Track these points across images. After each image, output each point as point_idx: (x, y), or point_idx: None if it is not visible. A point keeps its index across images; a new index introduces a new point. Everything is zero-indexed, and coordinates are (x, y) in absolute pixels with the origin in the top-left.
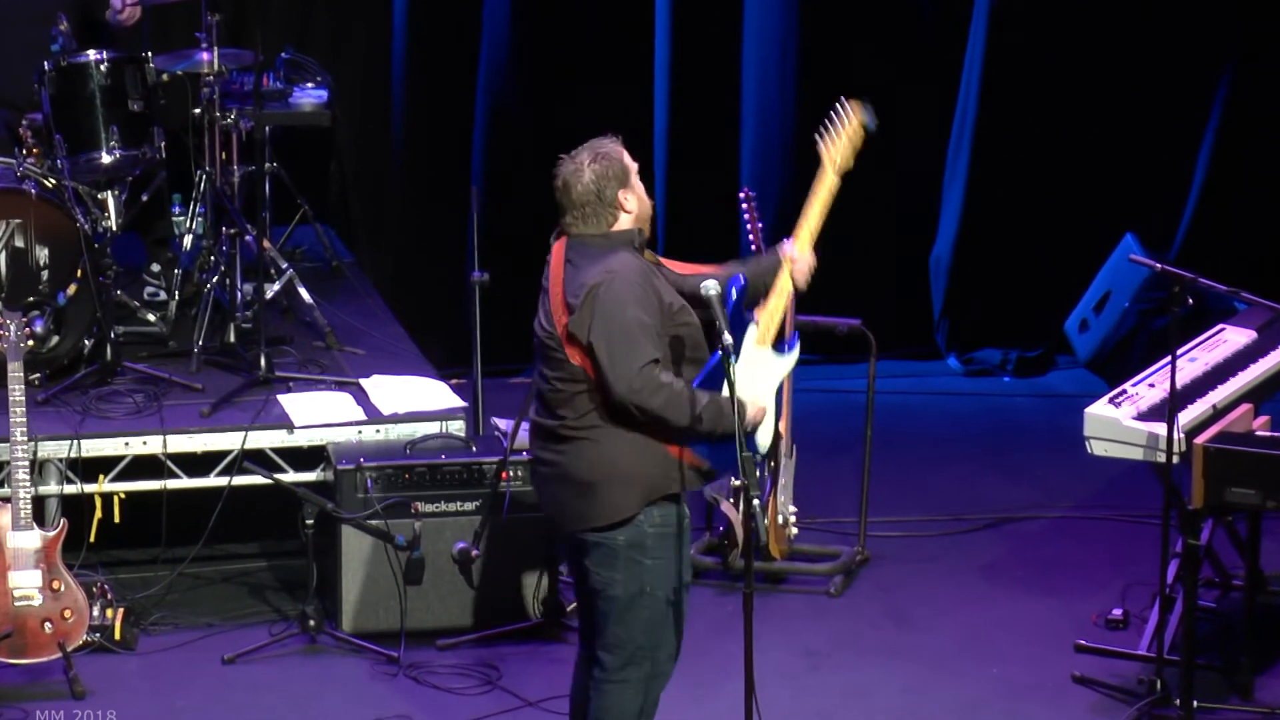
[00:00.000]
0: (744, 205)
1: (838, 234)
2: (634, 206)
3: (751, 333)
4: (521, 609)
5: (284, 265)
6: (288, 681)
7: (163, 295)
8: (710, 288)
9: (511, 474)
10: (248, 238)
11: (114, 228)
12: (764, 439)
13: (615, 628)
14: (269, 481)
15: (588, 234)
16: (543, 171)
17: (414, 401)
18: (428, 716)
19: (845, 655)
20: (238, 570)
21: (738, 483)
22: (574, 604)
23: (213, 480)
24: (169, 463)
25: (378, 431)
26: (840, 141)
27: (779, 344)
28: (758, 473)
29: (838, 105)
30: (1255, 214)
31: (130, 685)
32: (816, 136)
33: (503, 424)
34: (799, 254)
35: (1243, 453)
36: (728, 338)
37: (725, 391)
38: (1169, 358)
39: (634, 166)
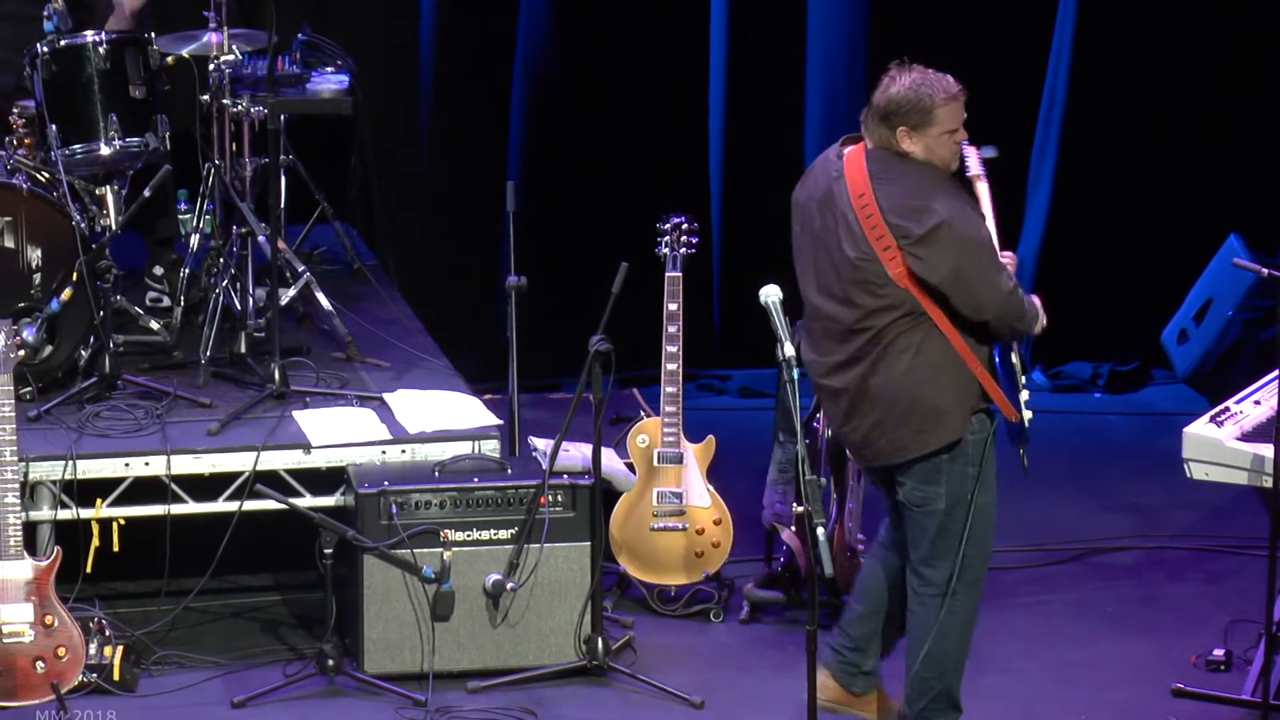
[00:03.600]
0: None
1: None
2: (913, 149)
3: None
4: (560, 648)
5: (300, 268)
6: None
7: (167, 301)
8: (768, 294)
9: (550, 499)
10: (260, 237)
11: (113, 226)
12: (1028, 419)
13: (940, 542)
14: (283, 507)
15: (885, 149)
16: (588, 163)
17: (443, 419)
18: None
19: None
20: (249, 604)
21: (800, 509)
22: (619, 642)
23: (221, 505)
24: (173, 486)
25: (403, 452)
26: (975, 162)
27: None
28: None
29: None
30: None
31: None
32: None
33: (541, 444)
34: (1009, 254)
35: None
36: (789, 349)
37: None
38: (1277, 372)
39: (944, 125)
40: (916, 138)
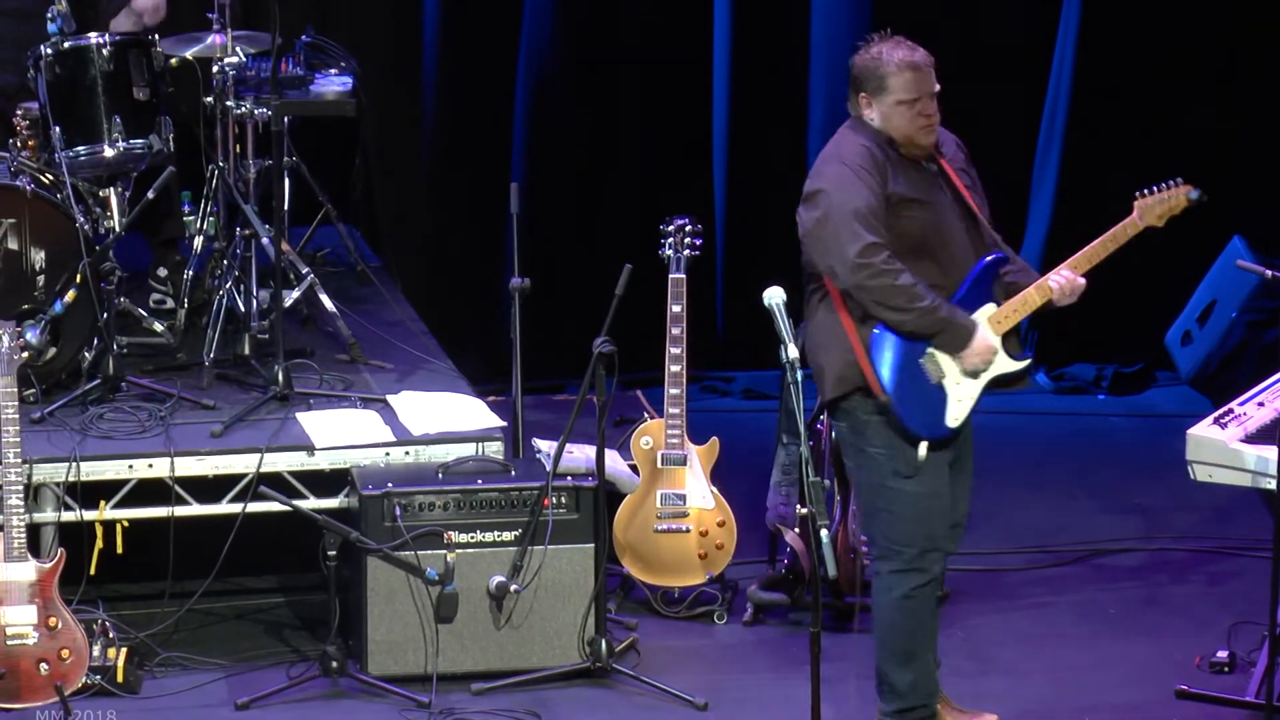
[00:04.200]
0: None
1: None
2: (874, 117)
3: (989, 310)
4: (564, 650)
5: (304, 270)
6: None
7: (170, 303)
8: (771, 297)
9: (554, 500)
10: (264, 239)
11: (117, 228)
12: (956, 416)
13: (866, 519)
14: (287, 509)
15: (856, 117)
16: (591, 165)
17: (447, 421)
18: None
19: None
20: (252, 606)
21: (804, 510)
22: (623, 644)
23: (225, 507)
24: (177, 487)
25: (407, 454)
26: (1158, 200)
27: (1016, 350)
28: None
29: (1172, 181)
30: None
31: None
32: (1136, 193)
33: (545, 445)
34: (1068, 273)
35: None
36: (792, 351)
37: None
38: None
39: (898, 93)
40: (875, 105)
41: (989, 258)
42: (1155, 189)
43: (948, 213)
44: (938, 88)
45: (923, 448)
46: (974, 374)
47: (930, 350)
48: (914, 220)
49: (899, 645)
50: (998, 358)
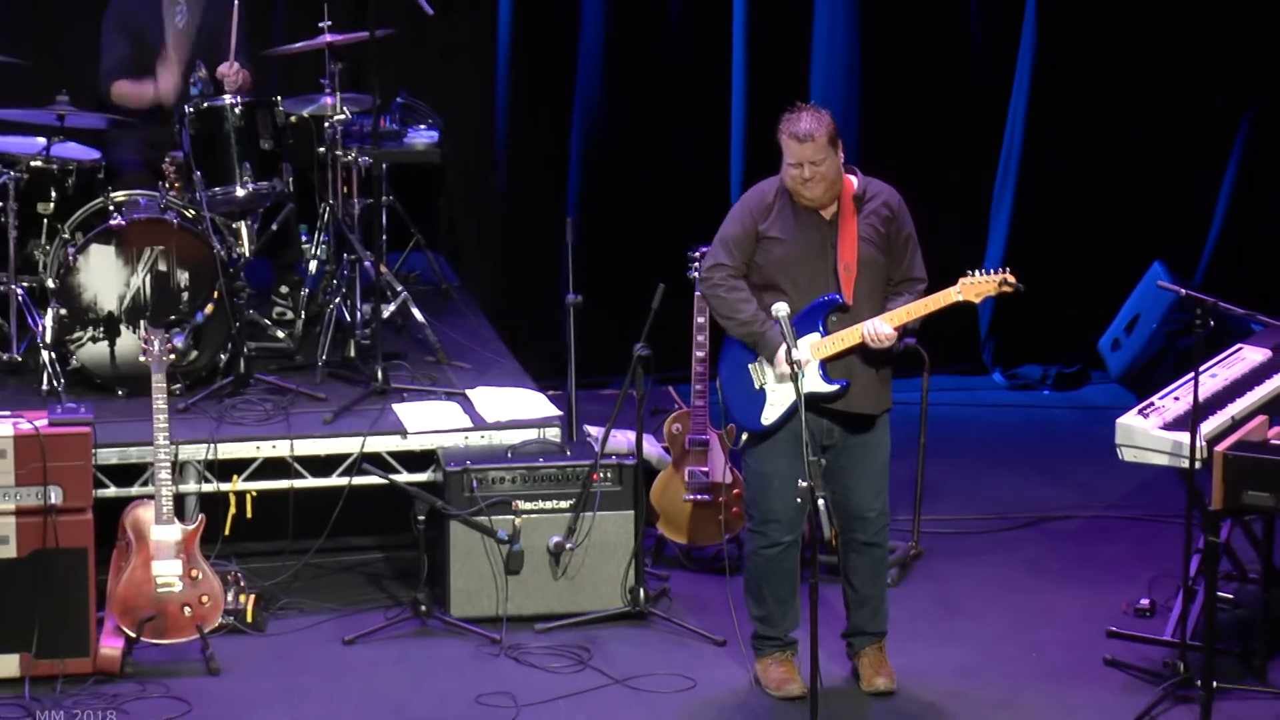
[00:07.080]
0: None
1: None
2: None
3: (814, 338)
4: (610, 597)
5: (399, 288)
6: (401, 660)
7: (290, 315)
8: (779, 310)
9: (602, 475)
10: (366, 263)
11: (247, 254)
12: (767, 417)
13: None
14: (385, 481)
15: None
16: (632, 203)
17: (515, 410)
18: (525, 691)
19: (902, 640)
20: (357, 561)
21: (804, 484)
22: (657, 592)
23: (334, 480)
24: (295, 464)
25: (482, 437)
26: (978, 281)
27: (832, 375)
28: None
29: (994, 269)
30: (1272, 244)
31: (260, 663)
32: (965, 272)
33: (594, 431)
34: (881, 324)
35: (1259, 459)
36: (796, 353)
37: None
38: (1192, 374)
39: (786, 157)
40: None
41: (824, 298)
42: (979, 272)
43: (809, 255)
44: (819, 156)
45: (743, 435)
46: (784, 382)
47: (759, 360)
48: (771, 254)
49: (751, 586)
50: (811, 377)
